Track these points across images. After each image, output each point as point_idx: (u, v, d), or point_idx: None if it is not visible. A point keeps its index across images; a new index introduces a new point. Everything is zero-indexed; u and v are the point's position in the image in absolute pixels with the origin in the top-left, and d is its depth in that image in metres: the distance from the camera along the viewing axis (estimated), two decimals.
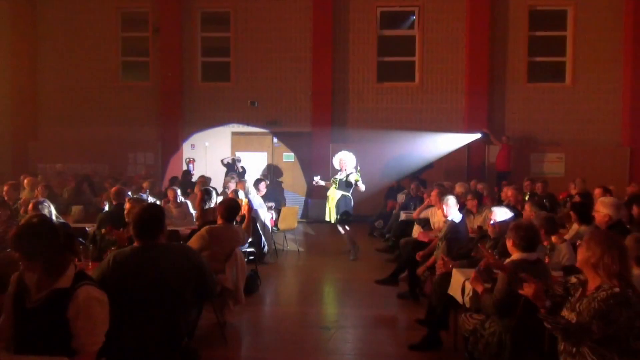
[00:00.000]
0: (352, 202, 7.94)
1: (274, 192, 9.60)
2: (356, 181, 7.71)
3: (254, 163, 12.60)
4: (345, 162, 7.86)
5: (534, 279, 2.72)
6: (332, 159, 8.22)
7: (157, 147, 12.67)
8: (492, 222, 4.57)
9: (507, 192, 7.05)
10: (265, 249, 7.59)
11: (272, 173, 12.73)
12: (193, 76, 12.69)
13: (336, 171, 7.99)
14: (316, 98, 12.25)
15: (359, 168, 7.88)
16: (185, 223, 6.71)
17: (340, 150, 8.03)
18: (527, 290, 2.69)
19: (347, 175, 7.81)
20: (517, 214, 5.76)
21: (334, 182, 7.88)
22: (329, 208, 7.92)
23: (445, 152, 11.76)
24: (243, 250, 5.17)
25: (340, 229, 8.10)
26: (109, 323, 2.32)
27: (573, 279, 2.72)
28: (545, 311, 2.55)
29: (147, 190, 8.44)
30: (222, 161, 12.10)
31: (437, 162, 11.69)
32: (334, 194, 7.85)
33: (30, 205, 4.93)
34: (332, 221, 7.92)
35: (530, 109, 12.17)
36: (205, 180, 9.20)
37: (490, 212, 4.73)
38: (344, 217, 7.85)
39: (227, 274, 4.50)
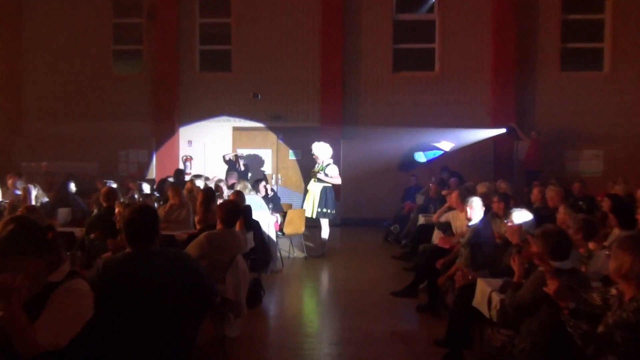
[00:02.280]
0: (334, 195, 8.53)
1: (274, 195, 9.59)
2: (321, 170, 8.38)
3: (257, 161, 12.63)
4: (318, 154, 8.51)
5: (555, 275, 2.70)
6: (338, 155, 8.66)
7: (150, 144, 12.75)
8: (507, 222, 4.55)
9: (549, 192, 6.91)
10: (269, 255, 7.58)
11: (277, 172, 12.75)
12: (190, 66, 12.76)
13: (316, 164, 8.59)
14: (325, 90, 12.26)
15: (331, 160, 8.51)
16: (182, 227, 6.73)
17: (344, 145, 8.52)
18: (550, 286, 2.65)
19: (324, 167, 8.38)
20: (548, 217, 5.69)
21: (312, 175, 8.54)
22: (309, 202, 8.44)
23: (468, 149, 11.70)
24: (245, 257, 5.16)
25: (323, 223, 8.45)
26: (80, 326, 2.31)
27: (613, 291, 2.68)
28: (568, 312, 2.52)
29: (141, 191, 8.48)
30: (224, 157, 12.14)
31: (459, 161, 11.62)
32: (314, 187, 8.45)
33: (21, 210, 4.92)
34: (314, 215, 8.40)
35: (564, 100, 12.06)
36: (192, 181, 9.20)
37: (514, 214, 4.68)
38: (327, 210, 8.31)
39: (227, 284, 4.49)
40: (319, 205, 8.38)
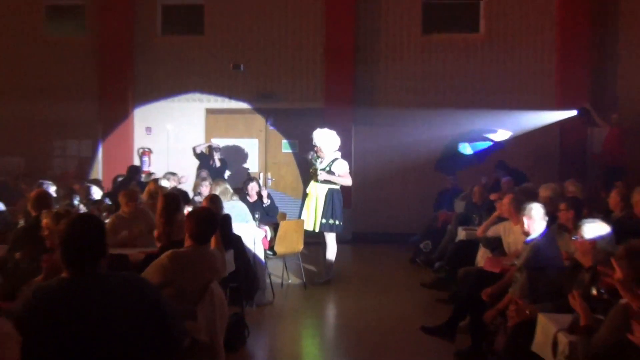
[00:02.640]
0: (342, 201, 8.57)
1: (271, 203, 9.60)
2: (325, 168, 8.35)
3: (239, 154, 12.66)
4: (321, 145, 8.43)
5: None
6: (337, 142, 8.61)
7: (95, 132, 12.80)
8: (575, 237, 4.54)
9: (635, 196, 6.84)
10: (256, 283, 7.58)
11: (266, 170, 12.76)
12: (150, 27, 12.81)
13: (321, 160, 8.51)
14: (331, 59, 12.26)
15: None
16: (139, 245, 6.72)
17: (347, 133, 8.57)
18: (638, 333, 2.65)
19: (331, 163, 8.37)
20: (635, 230, 5.67)
21: (312, 174, 8.49)
22: (311, 209, 8.42)
23: (524, 139, 11.67)
24: (222, 285, 5.16)
25: (328, 239, 8.43)
26: None
27: None
28: None
29: (89, 196, 8.50)
30: (194, 150, 12.15)
31: (512, 155, 11.60)
32: (316, 191, 8.39)
33: None
34: (316, 228, 8.37)
35: None
36: (156, 181, 9.21)
37: (585, 226, 4.67)
38: (333, 221, 8.32)
39: (199, 321, 4.48)
40: (323, 215, 8.37)
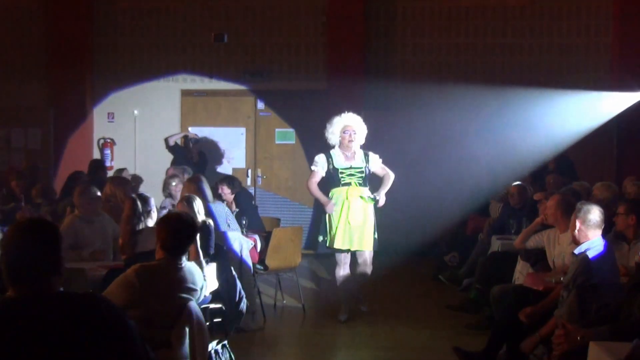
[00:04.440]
0: None
1: (245, 202, 9.57)
2: (363, 168, 7.99)
3: (223, 146, 12.68)
4: (357, 132, 8.03)
5: None
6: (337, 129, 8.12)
7: (47, 119, 12.79)
8: None
9: None
10: (243, 304, 7.59)
11: (255, 165, 12.75)
12: None
13: (345, 155, 8.03)
14: (336, 29, 12.26)
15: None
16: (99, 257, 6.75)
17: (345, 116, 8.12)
18: None
19: (366, 159, 8.06)
20: None
21: (347, 175, 7.94)
22: (352, 222, 7.86)
23: (576, 128, 11.64)
24: (203, 306, 5.18)
25: (370, 257, 8.08)
26: None
27: None
28: None
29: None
30: (166, 141, 12.15)
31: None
32: (355, 195, 7.90)
33: None
34: (368, 247, 7.97)
35: None
36: (129, 179, 9.22)
37: None
38: (377, 235, 8.06)
39: (174, 349, 4.50)
40: (375, 229, 8.01)
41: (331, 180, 8.01)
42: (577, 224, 5.52)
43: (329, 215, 7.94)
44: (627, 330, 4.31)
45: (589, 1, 12.16)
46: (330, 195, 7.96)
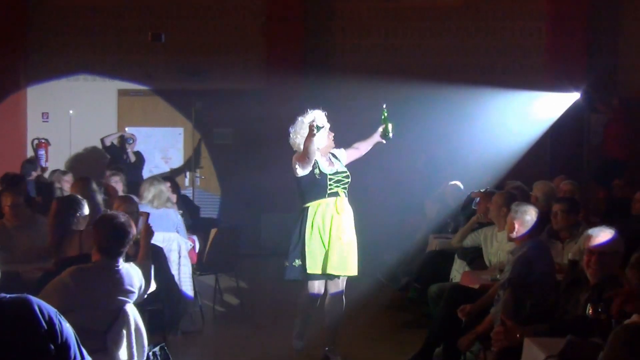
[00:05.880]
0: None
1: (187, 202, 9.51)
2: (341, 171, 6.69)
3: (161, 146, 12.60)
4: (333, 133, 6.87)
5: None
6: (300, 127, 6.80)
7: None
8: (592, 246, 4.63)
9: None
10: (182, 306, 7.54)
11: (193, 166, 12.68)
12: None
13: (327, 159, 6.74)
14: (275, 28, 12.27)
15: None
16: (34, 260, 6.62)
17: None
18: None
19: (340, 159, 6.85)
20: None
21: (334, 183, 6.60)
22: (343, 240, 6.52)
23: (511, 128, 11.79)
24: (140, 308, 5.12)
25: (343, 288, 6.79)
26: None
27: None
28: None
29: None
30: (102, 141, 12.00)
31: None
32: (345, 209, 6.62)
33: None
34: (346, 271, 6.60)
35: None
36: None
37: (590, 236, 4.77)
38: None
39: (110, 353, 4.45)
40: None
41: (315, 189, 6.52)
42: (514, 224, 5.61)
43: (310, 233, 6.43)
44: (565, 327, 4.38)
45: (523, 4, 12.37)
46: (313, 211, 6.46)
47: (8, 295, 2.97)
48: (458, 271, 7.19)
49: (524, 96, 11.82)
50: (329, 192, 6.51)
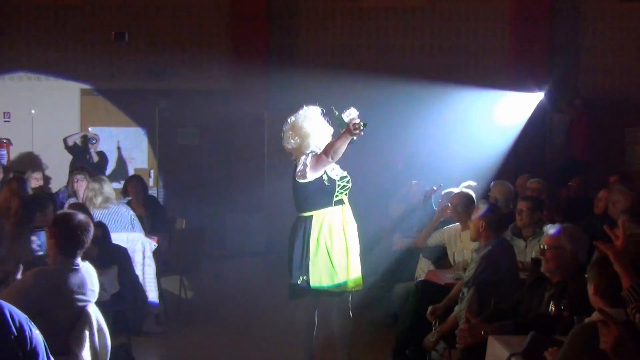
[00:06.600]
0: None
1: (153, 203, 9.46)
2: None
3: (123, 146, 12.51)
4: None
5: (614, 322, 2.83)
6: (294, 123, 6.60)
7: None
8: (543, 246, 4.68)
9: (615, 195, 7.05)
10: (146, 306, 7.50)
11: (157, 166, 12.60)
12: None
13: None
14: (239, 28, 12.25)
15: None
16: None
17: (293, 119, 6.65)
18: (606, 340, 2.81)
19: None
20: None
21: (341, 189, 6.01)
22: (350, 250, 6.01)
23: (476, 127, 11.86)
24: (103, 309, 5.07)
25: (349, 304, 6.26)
26: None
27: None
28: None
29: None
30: (65, 141, 11.90)
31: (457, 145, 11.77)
32: (351, 219, 6.12)
33: None
34: (355, 287, 6.04)
35: (626, 48, 12.41)
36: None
37: (546, 232, 4.83)
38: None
39: (73, 354, 4.42)
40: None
41: (321, 196, 5.95)
42: (478, 223, 5.65)
43: (316, 247, 5.86)
44: (528, 325, 4.42)
45: (487, 5, 12.45)
46: (318, 221, 5.87)
47: None
48: (423, 270, 7.21)
49: (489, 96, 11.84)
50: (335, 200, 5.94)
